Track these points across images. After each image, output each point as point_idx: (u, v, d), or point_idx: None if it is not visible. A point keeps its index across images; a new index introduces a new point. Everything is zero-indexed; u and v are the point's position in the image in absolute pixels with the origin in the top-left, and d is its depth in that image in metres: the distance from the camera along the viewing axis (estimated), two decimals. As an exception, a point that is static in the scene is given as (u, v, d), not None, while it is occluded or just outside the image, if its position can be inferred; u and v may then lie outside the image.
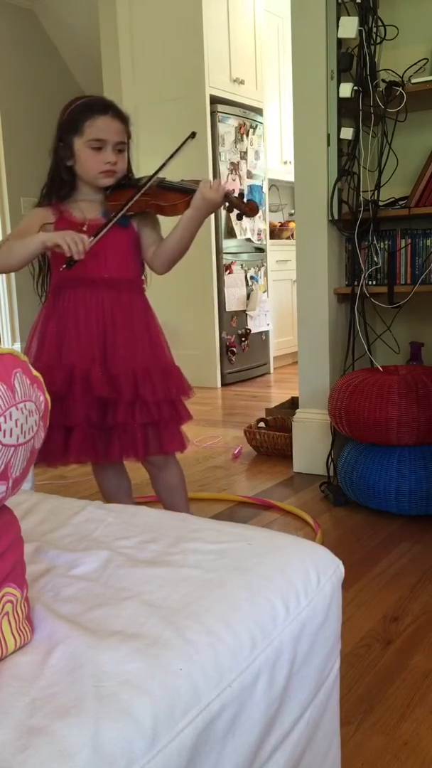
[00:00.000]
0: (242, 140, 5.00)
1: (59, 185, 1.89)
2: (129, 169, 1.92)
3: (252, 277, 5.20)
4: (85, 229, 1.80)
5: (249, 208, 1.85)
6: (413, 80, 2.53)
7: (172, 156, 1.84)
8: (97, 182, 1.86)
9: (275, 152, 5.68)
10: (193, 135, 1.86)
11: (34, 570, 0.96)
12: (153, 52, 4.78)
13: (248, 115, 5.06)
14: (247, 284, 5.14)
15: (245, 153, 5.03)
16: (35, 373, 0.82)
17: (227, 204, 1.84)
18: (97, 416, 1.82)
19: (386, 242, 2.68)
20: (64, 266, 1.72)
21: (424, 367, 2.63)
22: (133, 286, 1.93)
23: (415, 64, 2.58)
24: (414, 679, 1.51)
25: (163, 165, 1.84)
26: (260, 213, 5.11)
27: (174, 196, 1.86)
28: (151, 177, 1.84)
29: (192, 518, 1.19)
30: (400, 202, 2.70)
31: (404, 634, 1.69)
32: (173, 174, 1.89)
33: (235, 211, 1.85)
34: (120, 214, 1.81)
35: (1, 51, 5.55)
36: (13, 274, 5.75)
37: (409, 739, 1.33)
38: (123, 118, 1.86)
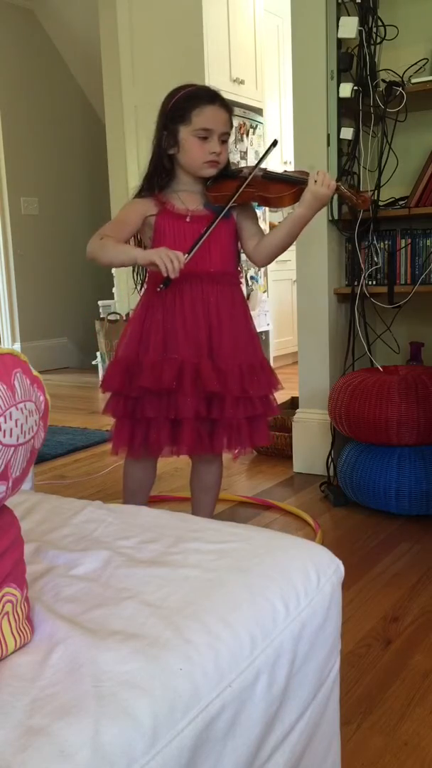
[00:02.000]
0: (242, 140, 5.00)
1: (161, 174, 1.88)
2: (228, 161, 1.91)
3: (252, 277, 5.20)
4: (188, 219, 1.81)
5: (362, 200, 1.82)
6: (413, 80, 2.53)
7: (265, 154, 1.85)
8: (200, 172, 1.85)
9: (275, 152, 5.67)
10: (274, 143, 1.85)
11: (34, 570, 0.96)
12: (153, 52, 4.78)
13: (248, 115, 5.06)
14: (247, 284, 5.14)
15: (245, 153, 5.03)
16: (35, 373, 0.82)
17: (338, 197, 1.80)
18: (204, 410, 1.84)
19: (386, 242, 2.68)
20: (161, 286, 1.74)
21: (424, 367, 2.63)
22: (234, 279, 1.94)
23: (415, 64, 2.58)
24: (414, 679, 1.51)
25: (262, 158, 1.84)
26: (260, 210, 5.12)
27: (280, 187, 1.84)
28: (253, 168, 1.84)
29: (192, 518, 1.19)
30: (400, 202, 2.70)
31: (404, 634, 1.69)
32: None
33: (347, 204, 1.81)
34: (225, 211, 1.80)
35: (1, 51, 5.55)
36: (13, 274, 5.76)
37: (409, 739, 1.33)
38: (229, 109, 1.85)
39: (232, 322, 1.89)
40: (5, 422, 0.73)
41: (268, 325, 5.43)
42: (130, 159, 4.70)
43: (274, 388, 1.97)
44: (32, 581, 0.93)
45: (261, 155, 1.82)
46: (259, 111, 5.23)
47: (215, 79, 4.73)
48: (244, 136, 5.03)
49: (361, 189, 2.66)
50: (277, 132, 5.70)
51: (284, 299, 5.62)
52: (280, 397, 3.98)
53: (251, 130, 5.10)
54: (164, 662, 0.75)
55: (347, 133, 2.63)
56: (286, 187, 1.83)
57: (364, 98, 2.57)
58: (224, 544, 1.05)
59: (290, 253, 5.71)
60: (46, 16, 5.84)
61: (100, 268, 6.17)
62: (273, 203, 1.87)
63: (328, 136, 2.66)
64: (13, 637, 0.78)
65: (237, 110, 4.93)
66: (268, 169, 1.89)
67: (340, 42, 2.59)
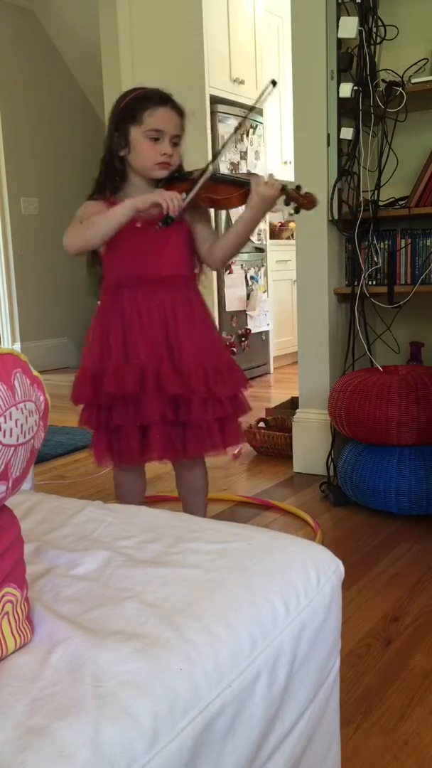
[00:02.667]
0: (242, 140, 5.00)
1: (113, 175, 1.87)
2: (181, 164, 1.91)
3: (252, 277, 5.20)
4: (138, 225, 1.80)
5: (307, 201, 1.82)
6: (413, 80, 2.53)
7: (226, 142, 1.85)
8: (151, 173, 1.85)
9: (275, 152, 5.67)
10: (273, 82, 1.84)
11: (34, 570, 0.96)
12: (153, 53, 4.77)
13: (248, 115, 5.05)
14: (247, 284, 5.14)
15: (245, 153, 5.03)
16: (35, 373, 0.82)
17: (284, 198, 1.82)
18: (171, 414, 1.83)
19: (386, 242, 2.68)
20: (161, 225, 1.71)
21: (424, 367, 2.63)
22: (190, 282, 1.93)
23: (415, 64, 2.58)
24: (414, 679, 1.51)
25: (218, 153, 1.84)
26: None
27: (227, 189, 1.84)
28: (205, 168, 1.84)
29: (192, 518, 1.19)
30: (400, 202, 2.70)
31: (404, 634, 1.69)
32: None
33: (293, 205, 1.82)
34: (192, 194, 1.79)
35: (1, 51, 5.55)
36: (13, 275, 5.76)
37: (409, 739, 1.33)
38: (181, 112, 1.86)
39: (190, 325, 1.88)
40: (5, 422, 0.73)
41: (268, 325, 5.43)
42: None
43: (243, 387, 1.95)
44: (32, 581, 0.93)
45: (220, 148, 1.83)
46: (259, 111, 5.22)
47: (215, 79, 4.73)
48: (244, 136, 5.03)
49: (361, 189, 2.66)
50: (277, 132, 5.70)
51: (284, 299, 5.62)
52: (280, 397, 3.99)
53: (251, 130, 5.10)
54: (164, 662, 0.75)
55: (347, 133, 2.63)
56: (233, 189, 1.84)
57: (364, 98, 2.57)
58: (224, 544, 1.05)
59: (290, 253, 5.72)
60: (46, 16, 5.83)
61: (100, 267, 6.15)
62: (221, 204, 1.87)
63: (328, 136, 2.66)
64: (13, 637, 0.78)
65: (237, 110, 4.94)
66: (218, 172, 1.89)
67: (340, 42, 2.59)
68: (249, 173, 1.88)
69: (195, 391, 1.81)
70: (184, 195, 1.72)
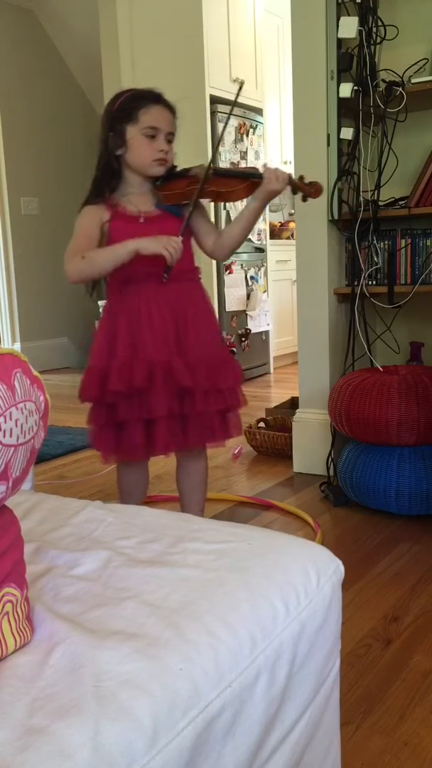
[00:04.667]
0: (242, 140, 5.00)
1: (110, 176, 1.89)
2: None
3: (252, 277, 5.20)
4: (142, 221, 1.83)
5: (314, 190, 1.87)
6: (413, 80, 2.53)
7: (221, 135, 1.91)
8: (149, 171, 1.87)
9: (275, 152, 5.67)
10: (241, 84, 1.89)
11: (34, 570, 0.96)
12: (153, 52, 4.78)
13: (248, 115, 5.06)
14: (247, 284, 5.14)
15: (245, 153, 5.03)
16: (35, 373, 0.82)
17: (291, 188, 1.86)
18: (177, 407, 1.85)
19: (386, 242, 2.68)
20: (165, 276, 1.78)
21: (424, 367, 2.63)
22: (193, 276, 1.96)
23: (415, 64, 2.58)
24: (414, 679, 1.51)
25: (216, 147, 1.88)
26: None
27: (232, 182, 1.88)
28: (208, 165, 1.87)
29: (192, 518, 1.19)
30: (400, 202, 2.70)
31: (404, 634, 1.69)
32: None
33: (300, 194, 1.87)
34: (194, 199, 1.84)
35: (1, 51, 5.55)
36: (13, 274, 5.76)
37: (409, 739, 1.33)
38: (173, 110, 1.89)
39: (196, 318, 1.92)
40: (5, 422, 0.73)
41: (268, 325, 5.43)
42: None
43: (240, 380, 1.99)
44: (32, 581, 0.93)
45: (235, 95, 1.88)
46: (259, 111, 5.23)
47: (215, 79, 4.73)
48: (244, 136, 5.03)
49: (361, 189, 2.66)
50: (277, 132, 5.70)
51: (284, 299, 5.62)
52: (280, 397, 3.99)
53: (251, 130, 5.10)
54: (164, 662, 0.75)
55: (347, 133, 2.63)
56: (237, 182, 1.88)
57: (364, 98, 2.57)
58: (224, 544, 1.05)
59: (290, 253, 5.72)
60: (46, 16, 5.83)
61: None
62: (226, 197, 1.92)
63: (328, 136, 2.66)
64: (13, 637, 0.78)
65: (237, 110, 4.94)
66: (218, 167, 1.93)
67: (340, 42, 2.59)
68: (248, 167, 1.92)
69: (200, 383, 1.84)
70: (179, 237, 1.78)
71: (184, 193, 1.86)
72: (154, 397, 1.82)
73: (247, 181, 1.86)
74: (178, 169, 1.92)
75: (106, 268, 1.80)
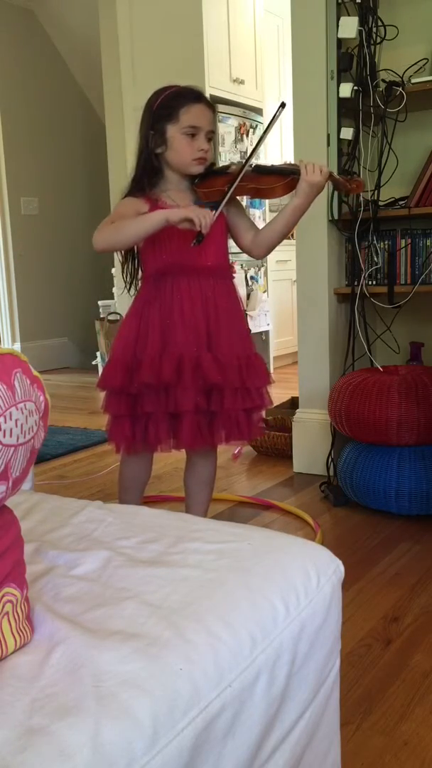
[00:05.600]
0: (242, 140, 5.00)
1: (150, 173, 1.89)
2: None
3: (252, 277, 5.20)
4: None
5: (355, 185, 1.87)
6: (413, 80, 2.53)
7: (267, 129, 1.90)
8: (189, 169, 1.87)
9: (275, 152, 5.67)
10: (282, 105, 1.88)
11: (34, 570, 0.96)
12: (153, 52, 4.77)
13: (248, 115, 5.06)
14: (247, 284, 5.14)
15: (245, 153, 5.03)
16: (35, 373, 0.82)
17: (332, 184, 1.86)
18: (204, 402, 1.85)
19: (386, 242, 2.68)
20: (195, 242, 1.73)
21: (424, 367, 2.63)
22: (228, 273, 1.96)
23: (415, 64, 2.58)
24: (414, 679, 1.51)
25: (259, 142, 1.89)
26: (260, 211, 5.11)
27: (272, 179, 1.87)
28: (246, 161, 1.87)
29: (192, 518, 1.19)
30: (400, 202, 2.70)
31: (404, 634, 1.69)
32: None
33: (341, 189, 1.87)
34: (231, 191, 1.83)
35: (1, 51, 5.55)
36: (13, 274, 5.76)
37: (409, 739, 1.33)
38: (213, 108, 1.89)
39: (228, 315, 1.91)
40: (5, 422, 0.73)
41: (268, 325, 5.43)
42: (130, 159, 4.70)
43: (268, 382, 1.99)
44: (32, 581, 0.93)
45: (272, 117, 1.86)
46: (259, 111, 5.22)
47: (215, 79, 4.73)
48: (244, 136, 5.03)
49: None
50: (278, 132, 5.70)
51: (284, 299, 5.62)
52: (280, 397, 3.99)
53: (251, 130, 5.10)
54: (164, 662, 0.75)
55: (347, 133, 2.63)
56: (278, 179, 1.87)
57: (364, 98, 2.57)
58: (224, 544, 1.05)
59: (290, 253, 5.71)
60: (46, 16, 5.83)
61: (100, 267, 6.14)
62: (266, 194, 1.91)
63: (328, 136, 2.66)
64: (13, 637, 0.78)
65: (237, 110, 4.94)
66: (259, 164, 1.93)
67: (340, 42, 2.59)
68: (289, 163, 1.92)
69: (230, 380, 1.84)
70: (213, 212, 1.75)
71: (223, 191, 1.86)
72: (181, 391, 1.81)
73: (287, 178, 1.85)
74: (217, 167, 1.93)
75: (134, 237, 1.78)
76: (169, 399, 1.83)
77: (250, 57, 5.09)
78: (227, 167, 1.91)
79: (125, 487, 2.06)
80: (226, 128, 4.83)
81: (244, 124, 5.01)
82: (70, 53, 6.03)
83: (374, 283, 2.72)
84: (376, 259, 2.69)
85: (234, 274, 1.98)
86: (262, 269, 5.32)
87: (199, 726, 0.73)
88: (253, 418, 1.95)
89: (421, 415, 2.27)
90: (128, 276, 1.97)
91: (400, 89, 2.52)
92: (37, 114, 5.87)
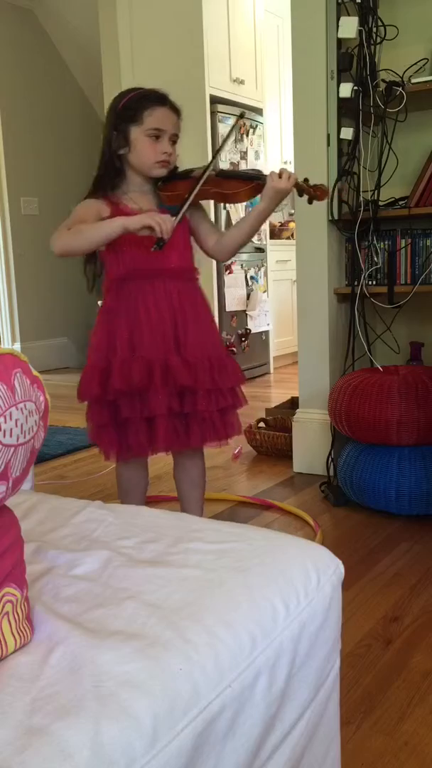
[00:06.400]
0: (242, 140, 5.00)
1: (112, 174, 1.88)
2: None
3: (252, 277, 5.20)
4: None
5: (320, 192, 1.88)
6: (413, 80, 2.53)
7: (227, 137, 1.91)
8: (152, 172, 1.87)
9: (275, 152, 5.67)
10: (242, 115, 1.88)
11: (34, 570, 0.96)
12: (153, 52, 4.77)
13: (248, 115, 5.06)
14: (247, 284, 5.14)
15: (245, 153, 5.03)
16: (35, 373, 0.82)
17: (297, 190, 1.87)
18: (177, 405, 1.85)
19: (386, 242, 2.68)
20: (155, 247, 1.72)
21: (424, 367, 2.63)
22: (193, 275, 1.96)
23: (415, 64, 2.58)
24: (414, 679, 1.51)
25: (219, 149, 1.88)
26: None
27: (236, 183, 1.88)
28: (209, 164, 1.87)
29: (192, 518, 1.19)
30: (400, 202, 2.70)
31: (404, 634, 1.69)
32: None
33: (305, 197, 1.88)
34: (192, 197, 1.82)
35: (1, 51, 5.55)
36: (13, 274, 5.76)
37: (409, 739, 1.33)
38: (178, 112, 1.88)
39: (195, 317, 1.92)
40: (5, 422, 0.73)
41: (268, 325, 5.43)
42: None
43: (241, 381, 1.99)
44: (32, 581, 0.93)
45: (219, 146, 1.88)
46: (259, 111, 5.23)
47: (215, 79, 4.73)
48: (244, 136, 5.03)
49: (361, 189, 2.66)
50: (277, 132, 5.70)
51: (284, 299, 5.62)
52: (280, 397, 3.99)
53: (251, 130, 5.10)
54: (164, 662, 0.75)
55: (347, 133, 2.63)
56: (242, 184, 1.87)
57: (364, 98, 2.57)
58: (224, 544, 1.05)
59: (290, 253, 5.71)
60: (46, 16, 5.83)
61: (100, 267, 6.13)
62: (230, 199, 1.91)
63: (328, 136, 2.66)
64: (13, 637, 0.78)
65: (237, 110, 4.94)
66: (224, 168, 1.93)
67: (340, 42, 2.59)
68: (253, 169, 1.93)
69: (202, 382, 1.84)
70: (174, 218, 1.74)
71: (189, 192, 1.85)
72: (153, 396, 1.82)
73: (251, 183, 1.86)
74: (181, 170, 1.92)
75: (92, 242, 1.76)
76: (143, 404, 1.83)
77: (250, 57, 5.09)
78: (191, 171, 1.90)
79: (125, 492, 2.07)
80: (226, 128, 4.83)
81: (244, 124, 5.01)
82: (70, 53, 6.03)
83: (374, 283, 2.72)
84: (376, 259, 2.69)
85: (198, 276, 1.98)
86: (262, 269, 5.33)
87: (199, 726, 0.73)
88: (228, 417, 1.95)
89: (421, 415, 2.27)
90: (90, 274, 1.96)
91: (400, 89, 2.52)
92: (37, 114, 5.87)
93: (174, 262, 1.89)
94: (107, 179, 1.89)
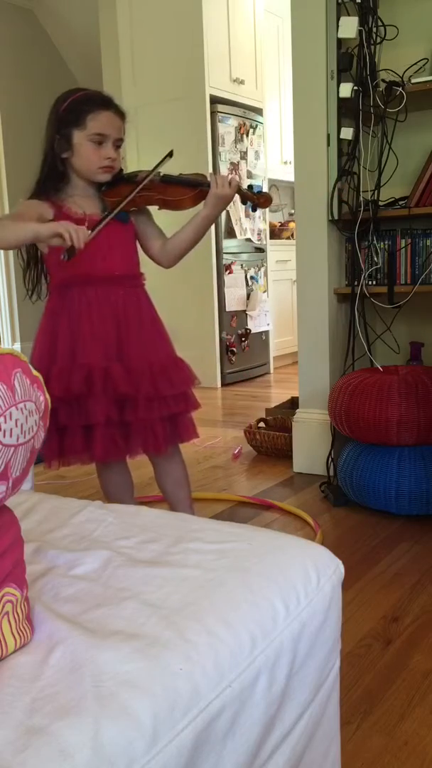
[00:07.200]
0: (242, 140, 5.00)
1: (55, 178, 1.85)
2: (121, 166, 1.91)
3: (252, 277, 5.20)
4: (86, 225, 1.77)
5: (263, 200, 1.87)
6: (413, 80, 2.53)
7: (155, 168, 1.86)
8: (95, 177, 1.84)
9: (275, 152, 5.68)
10: (170, 155, 1.87)
11: (34, 570, 0.96)
12: (153, 52, 4.78)
13: (248, 115, 5.06)
14: (247, 284, 5.14)
15: (245, 153, 5.03)
16: (35, 373, 0.82)
17: (241, 198, 1.87)
18: (116, 413, 1.82)
19: (386, 242, 2.68)
20: (64, 255, 1.65)
21: (424, 367, 2.63)
22: (137, 282, 1.94)
23: (415, 64, 2.58)
24: (414, 679, 1.51)
25: (158, 164, 1.85)
26: (261, 211, 5.11)
27: (180, 190, 1.86)
28: (152, 170, 1.85)
29: (192, 518, 1.19)
30: (400, 202, 2.70)
31: (404, 634, 1.69)
32: (173, 170, 1.90)
33: (249, 203, 1.87)
34: (119, 209, 1.80)
35: (1, 51, 5.55)
36: (13, 274, 5.76)
37: (409, 739, 1.33)
38: (123, 116, 1.85)
39: (139, 324, 1.89)
40: (5, 422, 0.73)
41: (268, 325, 5.43)
42: (130, 159, 4.70)
43: (192, 384, 1.95)
44: (32, 581, 0.93)
45: (156, 163, 1.85)
46: (259, 111, 5.23)
47: (215, 79, 4.74)
48: (244, 136, 5.03)
49: (361, 189, 2.66)
50: (277, 132, 5.70)
51: (284, 299, 5.62)
52: (280, 397, 3.99)
53: (251, 130, 5.10)
54: (164, 662, 0.75)
55: (347, 133, 2.63)
56: (186, 190, 1.85)
57: (364, 98, 2.57)
58: (224, 544, 1.05)
59: (290, 253, 5.72)
60: (46, 16, 5.83)
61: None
62: (173, 206, 1.88)
63: (328, 136, 2.66)
64: (13, 637, 0.78)
65: (237, 110, 4.94)
66: (168, 174, 1.90)
67: (340, 42, 2.59)
68: (197, 173, 1.90)
69: (143, 390, 1.81)
70: (89, 232, 1.66)
71: (131, 198, 1.83)
72: (92, 404, 1.79)
73: (195, 190, 1.84)
74: (126, 173, 1.90)
75: (11, 242, 1.70)
76: (81, 411, 1.80)
77: (250, 57, 5.09)
78: (136, 174, 1.88)
79: (112, 496, 2.05)
80: (226, 128, 4.84)
81: (244, 124, 5.01)
82: (70, 53, 6.03)
83: (374, 283, 2.72)
84: (376, 259, 2.69)
85: (144, 281, 1.95)
86: (262, 269, 5.33)
87: (199, 726, 0.73)
88: (180, 423, 1.92)
89: (421, 415, 2.27)
90: (30, 283, 1.92)
91: (400, 89, 2.52)
92: (37, 114, 5.86)
93: (119, 268, 1.86)
94: (50, 183, 1.85)
